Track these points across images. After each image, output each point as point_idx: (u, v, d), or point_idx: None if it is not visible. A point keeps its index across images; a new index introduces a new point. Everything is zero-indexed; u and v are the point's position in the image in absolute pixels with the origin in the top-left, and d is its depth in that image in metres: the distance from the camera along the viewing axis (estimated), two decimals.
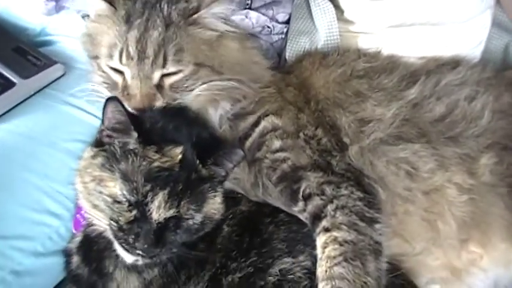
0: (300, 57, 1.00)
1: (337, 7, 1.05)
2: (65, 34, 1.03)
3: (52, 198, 0.83)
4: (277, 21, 1.09)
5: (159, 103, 0.80)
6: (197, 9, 0.82)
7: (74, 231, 0.82)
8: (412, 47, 1.02)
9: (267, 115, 0.84)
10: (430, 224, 0.80)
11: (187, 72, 0.81)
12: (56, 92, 0.92)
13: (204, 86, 0.82)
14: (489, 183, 0.80)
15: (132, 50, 0.80)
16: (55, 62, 0.93)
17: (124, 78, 0.82)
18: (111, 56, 0.82)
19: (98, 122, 0.86)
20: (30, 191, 0.82)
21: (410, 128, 0.84)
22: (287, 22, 1.10)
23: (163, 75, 0.81)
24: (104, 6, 0.84)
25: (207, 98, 0.83)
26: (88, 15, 0.96)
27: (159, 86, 0.81)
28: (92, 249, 0.77)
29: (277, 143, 0.82)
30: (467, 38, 1.01)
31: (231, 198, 0.79)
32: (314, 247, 0.75)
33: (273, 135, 0.83)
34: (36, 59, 0.92)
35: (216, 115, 0.84)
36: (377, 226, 0.76)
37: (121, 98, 0.77)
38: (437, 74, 0.92)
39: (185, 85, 0.82)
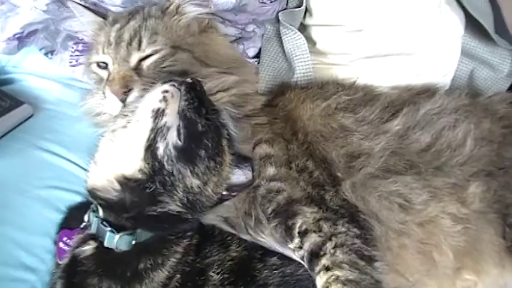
0: (281, 89, 0.98)
1: (308, 39, 1.05)
2: (29, 72, 0.98)
3: (27, 252, 0.77)
4: (247, 56, 1.08)
5: (137, 84, 0.81)
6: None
7: (58, 261, 0.76)
8: (386, 76, 1.03)
9: (259, 143, 0.83)
10: (425, 256, 0.80)
11: (163, 53, 0.84)
12: (24, 134, 0.87)
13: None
14: (479, 210, 0.81)
15: (112, 38, 0.86)
16: (22, 103, 0.87)
17: (108, 71, 0.86)
18: (97, 51, 0.88)
19: (71, 166, 0.85)
20: (3, 245, 0.75)
21: (399, 160, 0.84)
22: (257, 56, 1.09)
23: (141, 60, 0.84)
24: (94, 17, 0.91)
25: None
26: (52, 52, 0.97)
27: (138, 69, 0.84)
28: (76, 271, 0.71)
29: (271, 170, 0.81)
30: (439, 65, 1.03)
31: (219, 243, 0.76)
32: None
33: (267, 161, 0.81)
34: (1, 99, 0.85)
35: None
36: (376, 264, 0.74)
37: (105, 88, 0.82)
38: (416, 103, 0.92)
39: (162, 65, 0.84)
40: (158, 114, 0.68)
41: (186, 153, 0.68)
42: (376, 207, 0.80)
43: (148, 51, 0.84)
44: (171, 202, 0.69)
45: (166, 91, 0.70)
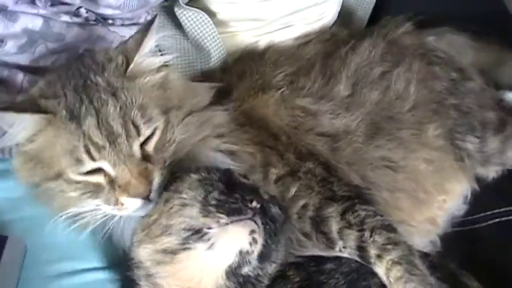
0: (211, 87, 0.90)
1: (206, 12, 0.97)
2: None
3: None
4: None
5: (156, 174, 0.71)
6: (127, 60, 0.74)
7: None
8: (288, 30, 1.05)
9: (264, 166, 0.82)
10: (416, 199, 0.91)
11: (161, 126, 0.73)
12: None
13: (180, 128, 0.75)
14: (441, 146, 0.94)
15: (98, 139, 0.69)
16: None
17: (105, 174, 0.71)
18: (78, 161, 0.69)
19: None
20: None
21: (368, 125, 0.90)
22: None
23: (141, 145, 0.72)
24: (39, 118, 0.70)
25: (193, 140, 0.77)
26: None
27: (145, 157, 0.72)
28: None
29: (292, 190, 0.81)
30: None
31: (278, 277, 0.76)
32: (371, 274, 0.80)
33: (284, 184, 0.81)
34: None
35: (216, 155, 0.79)
36: (400, 230, 0.83)
37: (114, 197, 0.69)
38: (342, 58, 0.96)
39: (166, 140, 0.74)
40: (244, 252, 0.65)
41: (267, 256, 0.68)
42: (373, 177, 0.88)
43: (147, 132, 0.71)
44: None
45: (253, 231, 0.64)
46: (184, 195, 0.68)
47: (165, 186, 0.71)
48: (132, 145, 0.70)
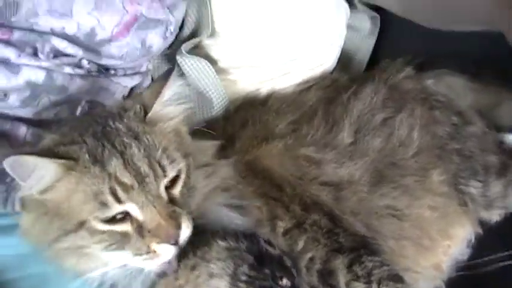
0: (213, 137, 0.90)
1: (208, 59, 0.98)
2: None
3: None
4: None
5: (184, 218, 0.68)
6: (145, 109, 0.72)
7: None
8: (288, 77, 1.05)
9: (270, 220, 0.81)
10: (420, 246, 0.91)
11: (185, 169, 0.71)
12: None
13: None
14: (445, 192, 0.94)
15: (127, 179, 0.66)
16: None
17: (132, 220, 0.67)
18: (103, 204, 0.65)
19: None
20: None
21: (371, 173, 0.90)
22: None
23: (167, 188, 0.69)
24: (59, 165, 0.65)
25: (204, 190, 0.76)
26: None
27: (172, 200, 0.69)
28: None
29: (300, 244, 0.80)
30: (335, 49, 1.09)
31: None
32: None
33: (291, 237, 0.80)
34: None
35: (224, 211, 0.77)
36: (406, 278, 0.83)
37: (145, 245, 0.65)
38: (344, 105, 0.97)
39: (190, 184, 0.72)
40: None
41: None
42: (378, 226, 0.87)
43: (173, 173, 0.69)
44: None
45: None
46: (212, 265, 0.66)
47: (191, 248, 0.69)
48: (160, 185, 0.68)
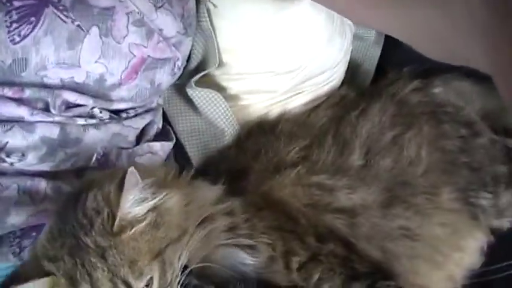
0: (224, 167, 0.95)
1: (216, 88, 1.00)
2: None
3: None
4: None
5: None
6: (113, 215, 0.71)
7: None
8: (297, 97, 1.06)
9: (284, 257, 0.82)
10: (435, 263, 0.94)
11: (157, 273, 0.72)
12: None
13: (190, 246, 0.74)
14: (456, 208, 0.96)
15: None
16: None
17: None
18: None
19: None
20: None
21: (383, 195, 0.92)
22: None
23: None
24: (50, 279, 0.70)
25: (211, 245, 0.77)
26: None
27: None
28: None
29: (315, 277, 0.81)
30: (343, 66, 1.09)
31: None
32: None
33: (307, 271, 0.82)
34: None
35: (233, 251, 0.79)
36: None
37: None
38: (353, 124, 0.98)
39: (167, 280, 0.72)
40: None
41: None
42: (392, 248, 0.89)
43: (141, 285, 0.70)
44: None
45: None
46: None
47: None
48: None
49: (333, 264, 0.84)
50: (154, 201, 0.73)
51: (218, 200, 0.83)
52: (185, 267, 0.75)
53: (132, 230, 0.71)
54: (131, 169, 0.70)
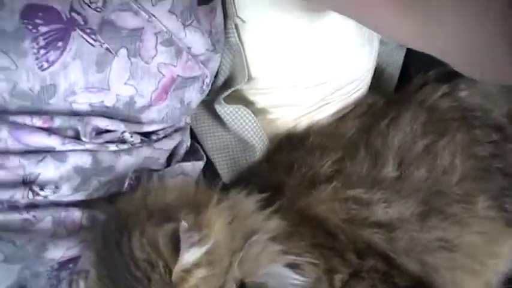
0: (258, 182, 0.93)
1: (245, 102, 0.98)
2: None
3: None
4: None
5: None
6: (168, 267, 0.68)
7: None
8: (325, 107, 1.04)
9: (327, 274, 0.81)
10: (473, 272, 0.93)
11: None
12: None
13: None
14: (491, 215, 0.95)
15: None
16: None
17: None
18: None
19: None
20: None
21: (420, 206, 0.91)
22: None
23: None
24: None
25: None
26: None
27: None
28: None
29: None
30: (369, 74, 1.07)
31: None
32: None
33: (351, 287, 0.82)
34: None
35: (280, 271, 0.77)
36: None
37: None
38: (384, 134, 0.97)
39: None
40: None
41: None
42: (431, 261, 0.89)
43: None
44: None
45: None
46: None
47: None
48: None
49: (374, 280, 0.84)
50: (206, 246, 0.70)
51: (259, 213, 0.81)
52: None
53: (192, 276, 0.69)
54: (183, 225, 0.67)
